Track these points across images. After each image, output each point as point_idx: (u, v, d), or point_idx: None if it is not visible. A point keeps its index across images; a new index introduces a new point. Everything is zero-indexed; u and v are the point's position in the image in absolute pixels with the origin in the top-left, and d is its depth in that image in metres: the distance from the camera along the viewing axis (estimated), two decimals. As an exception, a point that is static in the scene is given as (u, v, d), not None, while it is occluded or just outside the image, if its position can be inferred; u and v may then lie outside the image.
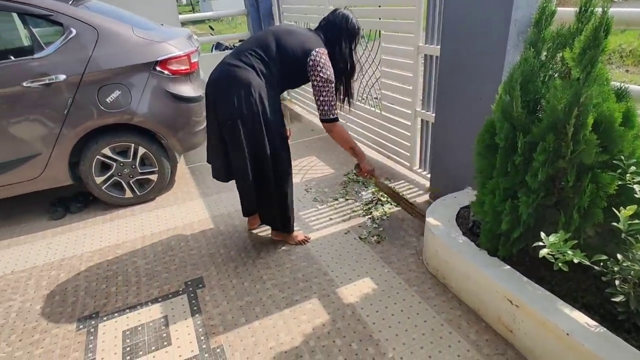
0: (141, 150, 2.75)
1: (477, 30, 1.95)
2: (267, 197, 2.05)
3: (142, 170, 2.82)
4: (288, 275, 2.06)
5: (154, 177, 2.87)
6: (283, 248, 2.28)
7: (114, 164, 2.72)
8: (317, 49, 1.90)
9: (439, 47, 2.35)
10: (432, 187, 2.60)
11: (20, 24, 3.60)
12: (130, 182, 2.81)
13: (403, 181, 2.94)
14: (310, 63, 1.88)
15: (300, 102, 4.85)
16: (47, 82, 2.40)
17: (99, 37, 2.50)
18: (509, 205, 1.55)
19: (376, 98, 3.31)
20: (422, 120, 2.75)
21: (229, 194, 2.94)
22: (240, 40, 8.27)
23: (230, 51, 2.06)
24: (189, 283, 2.06)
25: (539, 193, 1.48)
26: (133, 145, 2.71)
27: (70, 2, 2.52)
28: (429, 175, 2.83)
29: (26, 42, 3.70)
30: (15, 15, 2.50)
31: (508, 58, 1.86)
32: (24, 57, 2.43)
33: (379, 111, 3.18)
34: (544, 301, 1.45)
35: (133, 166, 2.77)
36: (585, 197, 1.38)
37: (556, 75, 1.53)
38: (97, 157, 2.66)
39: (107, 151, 2.67)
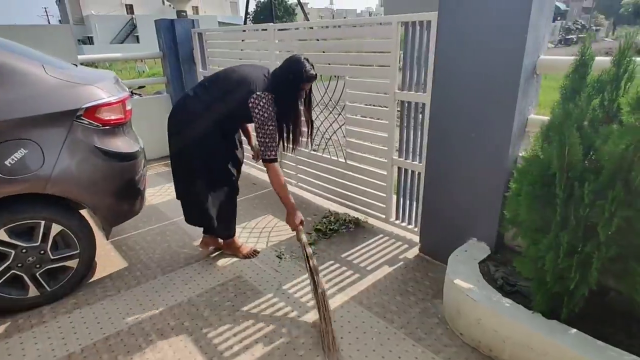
0: (55, 229, 1.98)
1: (481, 78, 1.88)
2: (206, 210, 2.21)
3: (56, 256, 2.03)
4: (305, 380, 1.57)
5: (72, 263, 2.09)
6: (285, 341, 1.78)
7: (12, 251, 1.90)
8: (257, 93, 1.98)
9: (424, 94, 2.26)
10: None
11: None
12: (37, 274, 1.99)
13: (381, 235, 2.70)
14: (250, 105, 1.98)
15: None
16: None
17: (-5, 76, 1.79)
18: (576, 260, 1.40)
19: (331, 146, 3.09)
20: (399, 168, 2.59)
21: (181, 275, 2.30)
22: (140, 87, 7.47)
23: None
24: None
25: (610, 245, 1.37)
26: (43, 222, 1.94)
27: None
28: (409, 227, 2.66)
29: None
30: None
31: (518, 105, 1.81)
32: None
33: (343, 160, 2.94)
34: (642, 369, 1.29)
35: (42, 251, 1.97)
36: (664, 246, 1.30)
37: (586, 122, 1.49)
38: (-15, 244, 1.82)
39: (1, 235, 1.85)
